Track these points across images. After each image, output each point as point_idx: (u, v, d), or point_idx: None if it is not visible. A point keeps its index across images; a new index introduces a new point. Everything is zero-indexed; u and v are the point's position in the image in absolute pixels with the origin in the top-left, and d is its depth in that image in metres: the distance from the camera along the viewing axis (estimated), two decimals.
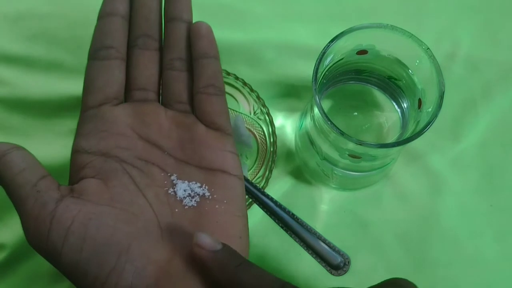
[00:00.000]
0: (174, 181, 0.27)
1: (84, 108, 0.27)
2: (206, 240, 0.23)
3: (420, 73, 0.35)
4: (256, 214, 0.39)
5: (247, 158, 0.40)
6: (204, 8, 0.45)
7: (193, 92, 0.29)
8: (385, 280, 0.25)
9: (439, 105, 0.32)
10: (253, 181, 0.37)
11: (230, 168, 0.28)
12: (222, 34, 0.43)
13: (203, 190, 0.27)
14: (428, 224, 0.40)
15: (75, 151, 0.27)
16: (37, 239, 0.23)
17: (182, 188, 0.26)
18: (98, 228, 0.24)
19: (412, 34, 0.33)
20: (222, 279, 0.23)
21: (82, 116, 0.27)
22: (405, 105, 0.38)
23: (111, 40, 0.27)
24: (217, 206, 0.27)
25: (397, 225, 0.40)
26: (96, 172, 0.26)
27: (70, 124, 0.42)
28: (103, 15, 0.28)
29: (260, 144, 0.40)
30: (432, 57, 0.33)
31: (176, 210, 0.26)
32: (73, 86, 0.41)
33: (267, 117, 0.39)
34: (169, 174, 0.27)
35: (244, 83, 0.39)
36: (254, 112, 0.40)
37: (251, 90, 0.39)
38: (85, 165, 0.26)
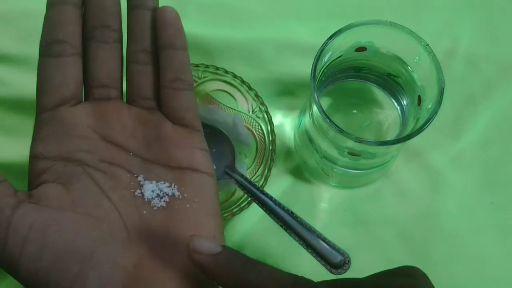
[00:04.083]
0: (141, 182, 0.26)
1: (40, 110, 0.26)
2: (204, 244, 0.22)
3: (420, 70, 0.34)
4: (255, 213, 0.38)
5: (246, 156, 0.40)
6: (202, 6, 0.45)
7: (160, 86, 0.27)
8: (396, 267, 0.24)
9: (439, 102, 0.32)
10: (252, 179, 0.37)
11: (199, 165, 0.27)
12: (220, 32, 0.43)
13: (172, 189, 0.26)
14: (428, 222, 0.40)
15: (33, 156, 0.25)
16: None
17: (149, 188, 0.25)
18: (59, 235, 0.23)
19: (411, 31, 0.33)
20: (228, 281, 0.21)
21: (38, 119, 0.26)
22: (404, 102, 0.38)
23: (63, 33, 0.25)
24: (187, 205, 0.26)
25: (397, 223, 0.40)
26: (56, 176, 0.25)
27: None
28: (53, 3, 0.26)
29: (259, 142, 0.40)
30: (431, 53, 0.32)
31: (144, 212, 0.25)
32: None
33: (265, 116, 0.39)
34: (135, 175, 0.26)
35: (243, 81, 0.39)
36: (253, 111, 0.40)
37: (250, 88, 0.39)
38: (44, 171, 0.25)
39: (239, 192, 0.38)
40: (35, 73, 0.43)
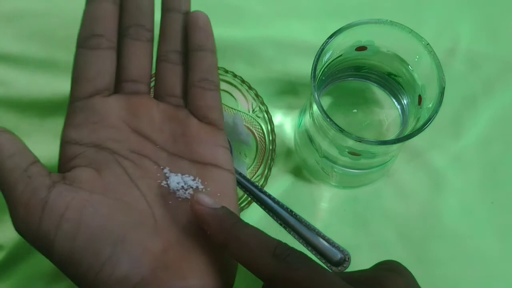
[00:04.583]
0: (166, 174, 0.27)
1: (73, 99, 0.26)
2: (205, 198, 0.24)
3: (420, 69, 0.34)
4: (255, 212, 0.38)
5: (246, 156, 0.40)
6: (202, 5, 0.45)
7: (187, 85, 0.28)
8: (377, 263, 0.26)
9: (439, 101, 0.32)
10: (252, 179, 0.37)
11: (222, 162, 0.28)
12: (220, 31, 0.43)
13: (196, 183, 0.27)
14: (428, 221, 0.40)
15: (65, 142, 0.26)
16: (27, 227, 0.23)
17: (175, 180, 0.26)
18: (93, 216, 0.23)
19: (411, 30, 0.33)
20: (220, 235, 0.23)
21: (71, 107, 0.26)
22: (405, 101, 0.38)
23: (101, 27, 0.26)
24: None
25: (397, 223, 0.40)
26: (89, 161, 0.25)
27: None
28: None
29: (259, 142, 0.40)
30: (432, 52, 0.32)
31: (170, 202, 0.26)
32: (69, 85, 0.41)
33: (266, 115, 0.39)
34: (161, 167, 0.27)
35: (243, 81, 0.39)
36: (253, 110, 0.40)
37: (250, 87, 0.39)
38: (76, 156, 0.25)
39: (239, 192, 0.37)
40: (35, 73, 0.43)
